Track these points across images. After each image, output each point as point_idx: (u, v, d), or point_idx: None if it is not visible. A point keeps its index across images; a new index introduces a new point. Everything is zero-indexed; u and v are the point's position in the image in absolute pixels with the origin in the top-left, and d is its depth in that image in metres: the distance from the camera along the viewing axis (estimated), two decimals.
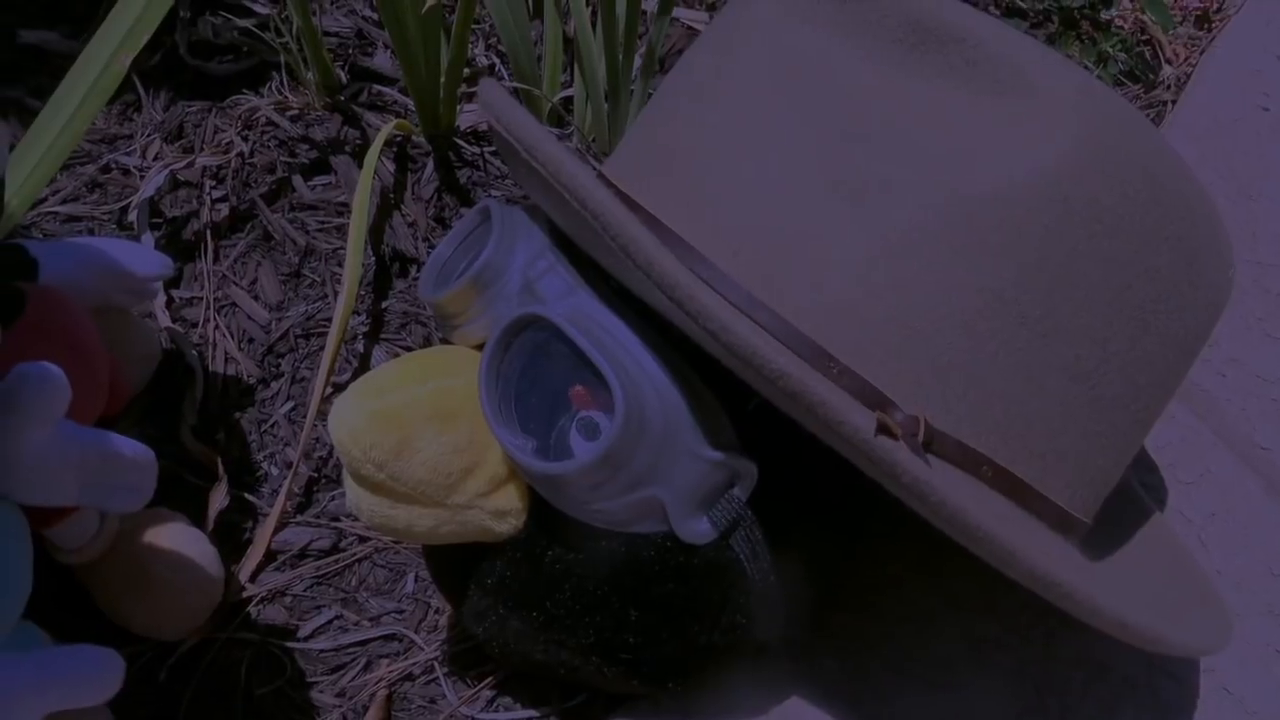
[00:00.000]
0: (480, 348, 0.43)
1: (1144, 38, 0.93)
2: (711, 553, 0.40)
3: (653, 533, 0.39)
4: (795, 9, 0.42)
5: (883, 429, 0.34)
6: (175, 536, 0.51)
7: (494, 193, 0.68)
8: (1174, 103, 0.89)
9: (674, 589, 0.40)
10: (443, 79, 0.67)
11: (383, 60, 0.76)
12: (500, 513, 0.41)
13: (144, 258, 0.54)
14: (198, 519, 0.53)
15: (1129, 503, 0.51)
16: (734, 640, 0.43)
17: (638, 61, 0.70)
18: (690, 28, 0.84)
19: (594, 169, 0.46)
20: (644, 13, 0.72)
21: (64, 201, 0.67)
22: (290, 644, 0.52)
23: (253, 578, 0.53)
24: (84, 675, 0.37)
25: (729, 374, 0.37)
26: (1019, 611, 0.51)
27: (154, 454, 0.43)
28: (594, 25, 0.70)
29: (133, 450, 0.42)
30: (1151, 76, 0.91)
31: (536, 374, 0.40)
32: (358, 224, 0.59)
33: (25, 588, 0.41)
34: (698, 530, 0.39)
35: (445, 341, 0.45)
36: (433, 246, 0.65)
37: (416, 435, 0.39)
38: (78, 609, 0.50)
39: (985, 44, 0.40)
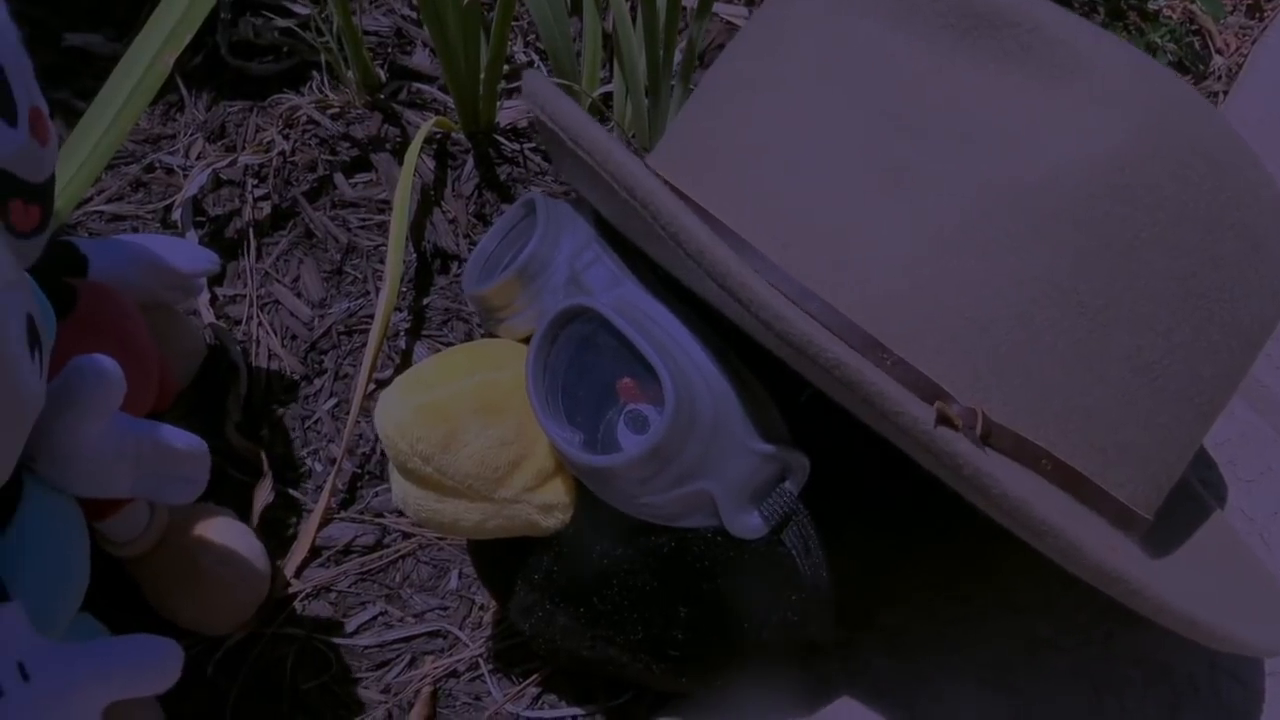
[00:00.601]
0: (526, 341, 0.42)
1: (1193, 28, 0.91)
2: (762, 548, 0.39)
3: (702, 527, 0.39)
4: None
5: (943, 420, 0.33)
6: (223, 530, 0.51)
7: (535, 188, 0.68)
8: (1225, 93, 0.87)
9: (724, 585, 0.40)
10: (482, 75, 0.67)
11: (422, 58, 0.76)
12: (547, 507, 0.40)
13: (190, 254, 0.54)
14: (243, 515, 0.53)
15: (1188, 499, 0.49)
16: (784, 638, 0.42)
17: (678, 57, 0.70)
18: (729, 22, 0.83)
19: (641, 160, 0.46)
20: (684, 8, 0.72)
21: (109, 201, 0.67)
22: (335, 639, 0.52)
23: (298, 573, 0.53)
24: (144, 664, 0.37)
25: (779, 366, 0.37)
26: (1076, 610, 0.50)
27: (206, 445, 0.43)
28: (633, 20, 0.70)
29: (186, 442, 0.42)
30: (1202, 67, 0.89)
31: (584, 366, 0.39)
32: (399, 221, 0.59)
33: (84, 579, 0.41)
34: (749, 524, 0.38)
35: (489, 335, 0.45)
36: (473, 243, 0.65)
37: (463, 428, 0.38)
38: (126, 604, 0.51)
39: (1040, 27, 0.39)
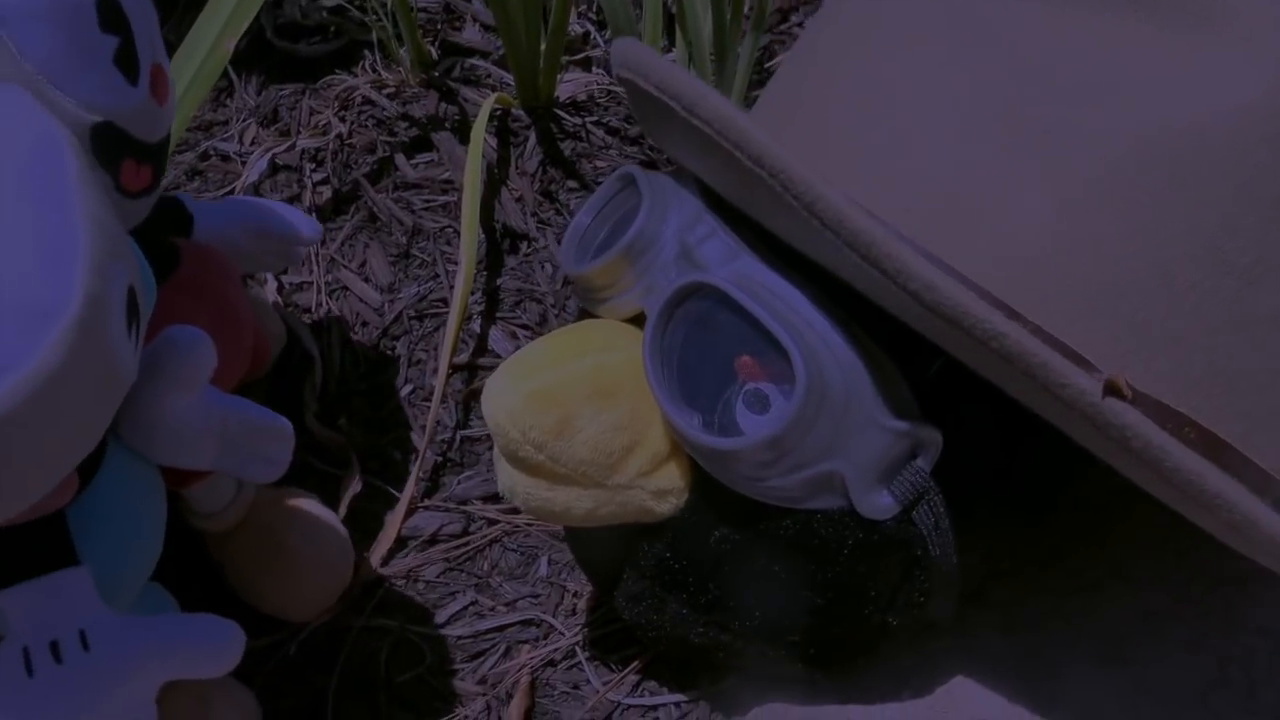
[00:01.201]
0: (631, 320, 0.41)
1: None
2: (892, 528, 0.37)
3: (829, 508, 0.37)
4: None
5: (1111, 390, 0.31)
6: (309, 513, 0.50)
7: (599, 162, 0.66)
8: None
9: (851, 567, 0.38)
10: (543, 48, 0.65)
11: (473, 34, 0.74)
12: (662, 492, 0.39)
13: (300, 221, 0.53)
14: (328, 507, 0.52)
15: None
16: (908, 620, 0.41)
17: (745, 23, 0.68)
18: None
19: None
20: None
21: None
22: (428, 630, 0.51)
23: (384, 563, 0.52)
24: (206, 645, 0.36)
25: (905, 337, 0.35)
26: (1191, 580, 0.48)
27: (291, 426, 0.42)
28: None
29: (272, 421, 0.41)
30: None
31: (700, 345, 0.38)
32: (470, 201, 0.58)
33: (156, 547, 0.40)
34: (879, 504, 0.37)
35: (585, 314, 0.43)
36: (542, 221, 0.63)
37: (577, 414, 0.37)
38: (207, 588, 0.50)
39: None
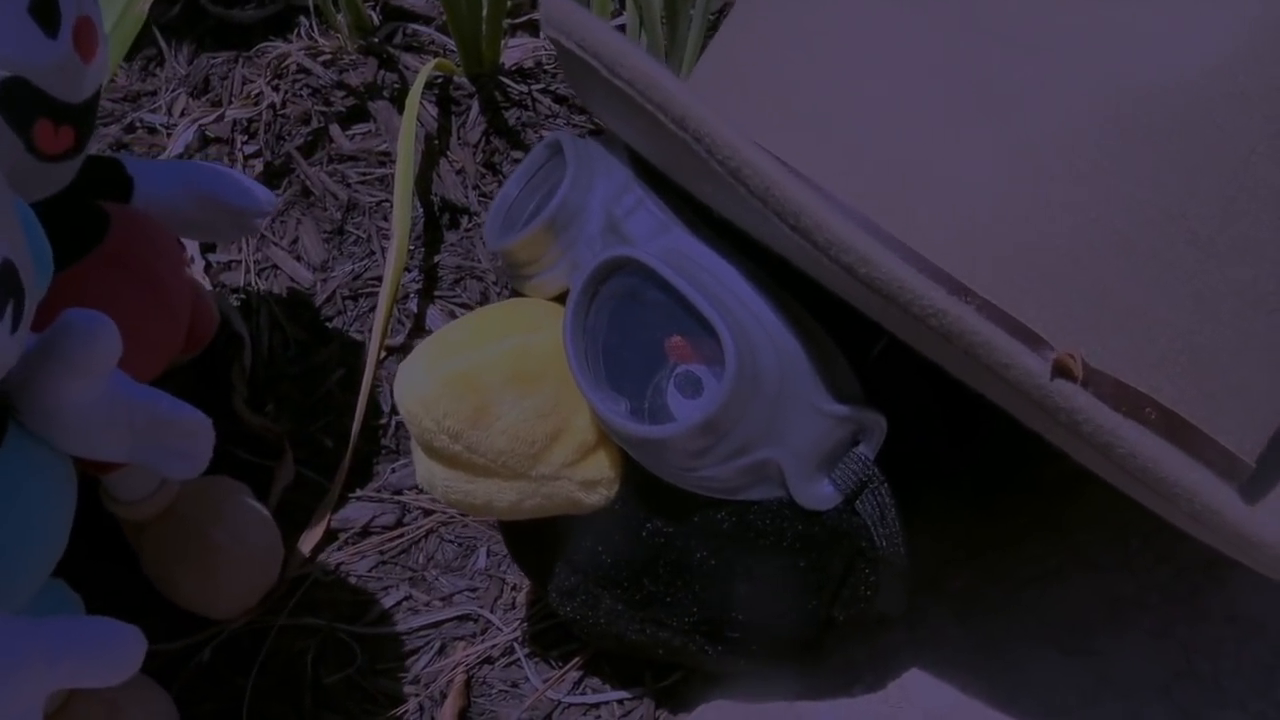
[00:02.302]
0: (558, 298, 0.38)
1: None
2: (834, 519, 0.35)
3: (767, 499, 0.35)
4: None
5: (1060, 371, 0.29)
6: (238, 506, 0.47)
7: (546, 132, 0.63)
8: None
9: (791, 561, 0.36)
10: (485, 12, 0.61)
11: None
12: (590, 483, 0.36)
13: (254, 190, 0.50)
14: (257, 496, 0.49)
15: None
16: (856, 614, 0.38)
17: None
18: None
19: None
20: None
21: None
22: (358, 629, 0.48)
23: (313, 558, 0.49)
24: (100, 651, 0.33)
25: (846, 315, 0.33)
26: (1156, 565, 0.46)
27: (210, 421, 0.39)
28: None
29: (186, 416, 0.38)
30: None
31: (627, 325, 0.35)
32: (403, 174, 0.55)
33: (59, 542, 0.37)
34: (820, 494, 0.34)
35: (516, 294, 0.40)
36: (484, 195, 0.60)
37: (495, 400, 0.34)
38: (120, 572, 0.47)
39: None
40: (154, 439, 0.38)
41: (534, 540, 0.41)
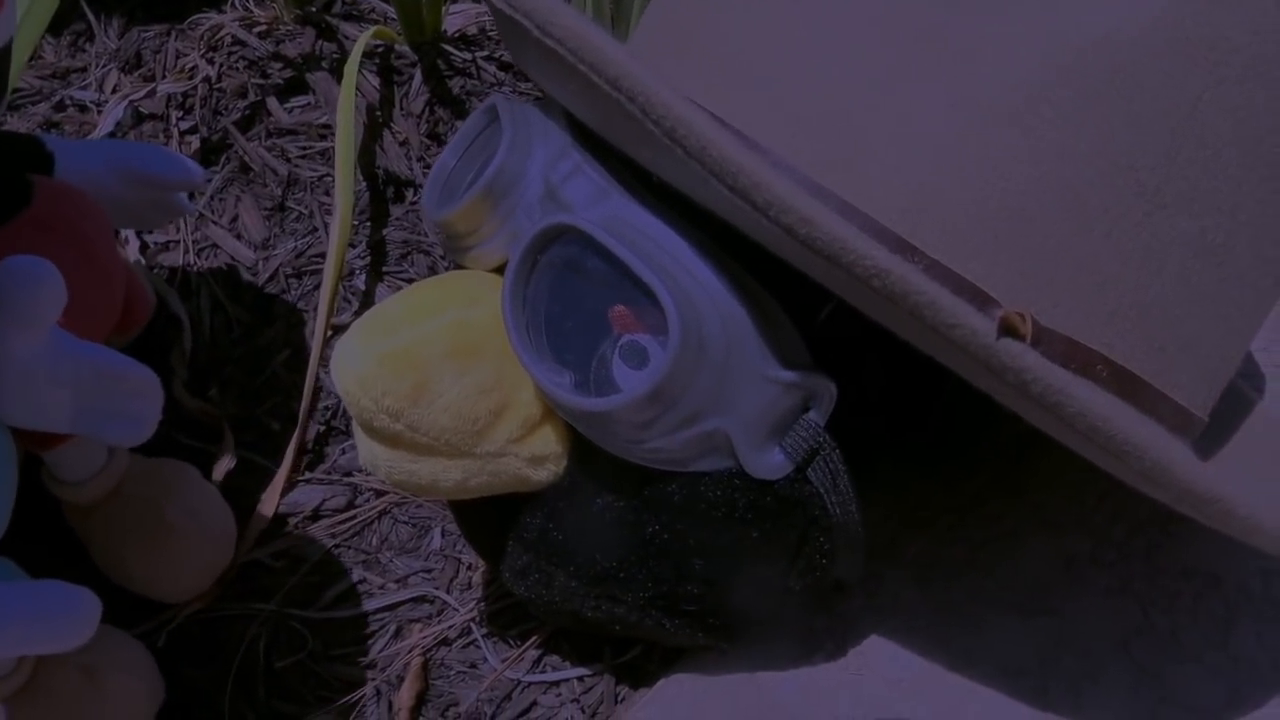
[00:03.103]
0: (500, 270, 0.37)
1: None
2: (786, 488, 0.34)
3: (717, 470, 0.34)
4: None
5: (1006, 330, 0.28)
6: (189, 483, 0.46)
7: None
8: None
9: (745, 532, 0.35)
10: None
11: None
12: (537, 458, 0.35)
13: (177, 163, 0.48)
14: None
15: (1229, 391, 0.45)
16: (811, 583, 0.38)
17: None
18: None
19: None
20: None
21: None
22: (310, 614, 0.47)
23: (261, 543, 0.48)
24: (51, 615, 0.32)
25: (793, 279, 0.32)
26: (1112, 522, 0.46)
27: (159, 379, 0.37)
28: None
29: (136, 372, 0.37)
30: None
31: (568, 295, 0.34)
32: (344, 146, 0.53)
33: (3, 523, 0.36)
34: (770, 463, 0.34)
35: (457, 267, 0.39)
36: (428, 166, 0.59)
37: (435, 377, 0.33)
38: (61, 562, 0.45)
39: None
40: (100, 399, 0.36)
41: (485, 519, 0.40)
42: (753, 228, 0.30)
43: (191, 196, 0.57)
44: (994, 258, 0.32)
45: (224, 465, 0.49)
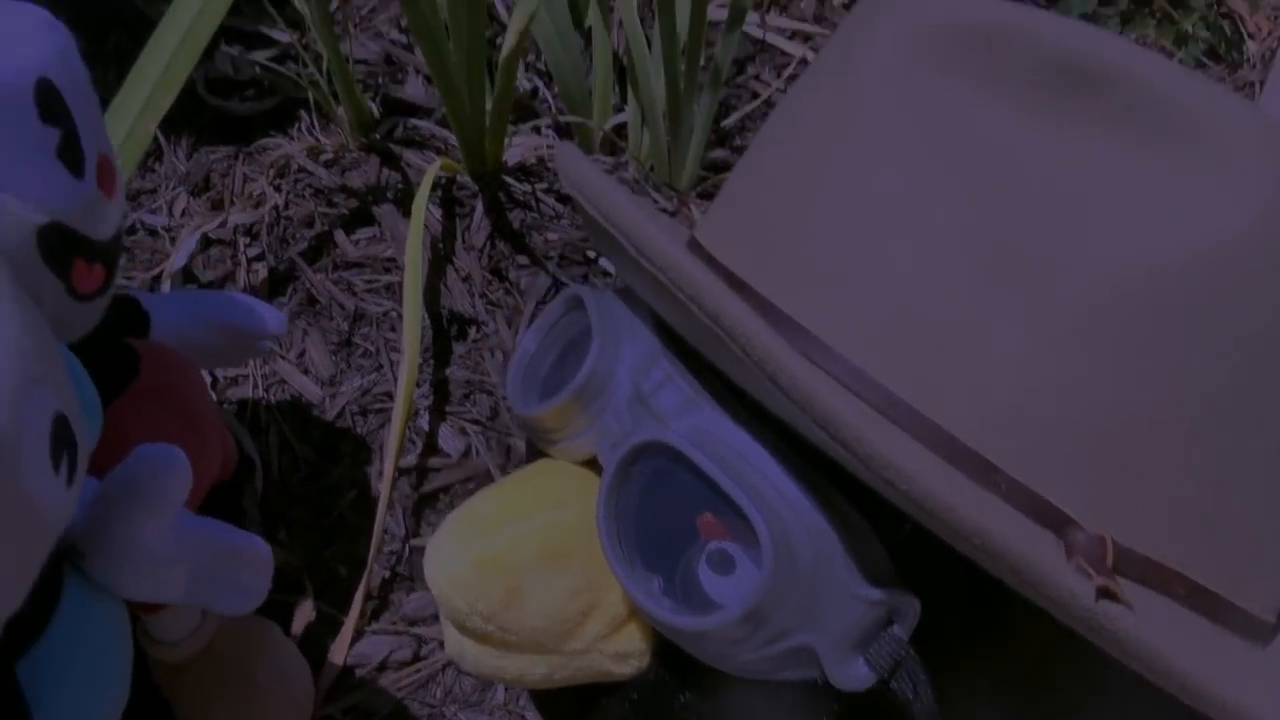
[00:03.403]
0: (587, 463, 0.38)
1: (1223, 10, 0.87)
2: (868, 699, 0.35)
3: (801, 679, 0.35)
4: (928, 52, 0.36)
5: (1105, 594, 0.29)
6: (276, 645, 0.46)
7: (550, 235, 0.63)
8: (1262, 83, 0.83)
9: None
10: (489, 109, 0.61)
11: (416, 88, 0.70)
12: (623, 655, 0.36)
13: (262, 314, 0.49)
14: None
15: None
16: None
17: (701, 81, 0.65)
18: (754, 39, 0.78)
19: (690, 237, 0.41)
20: (709, 22, 0.66)
21: None
22: None
23: (329, 697, 0.49)
24: None
25: (877, 495, 0.33)
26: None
27: (270, 550, 0.38)
28: (648, 40, 0.65)
29: (250, 545, 0.38)
30: (1235, 55, 0.84)
31: (658, 502, 0.35)
32: (413, 285, 0.54)
33: (122, 697, 0.36)
34: (855, 676, 0.34)
35: (537, 451, 0.40)
36: (491, 303, 0.60)
37: (527, 581, 0.34)
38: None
39: (1146, 85, 0.35)
40: (215, 573, 0.37)
41: (563, 701, 0.41)
42: (850, 466, 0.30)
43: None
44: (1074, 478, 0.33)
45: (304, 617, 0.50)
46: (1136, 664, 0.30)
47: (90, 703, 0.35)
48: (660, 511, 0.35)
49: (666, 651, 0.36)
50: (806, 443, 0.34)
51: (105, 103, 0.53)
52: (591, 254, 0.63)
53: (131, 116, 0.53)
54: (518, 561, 0.34)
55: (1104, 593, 0.29)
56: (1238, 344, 0.33)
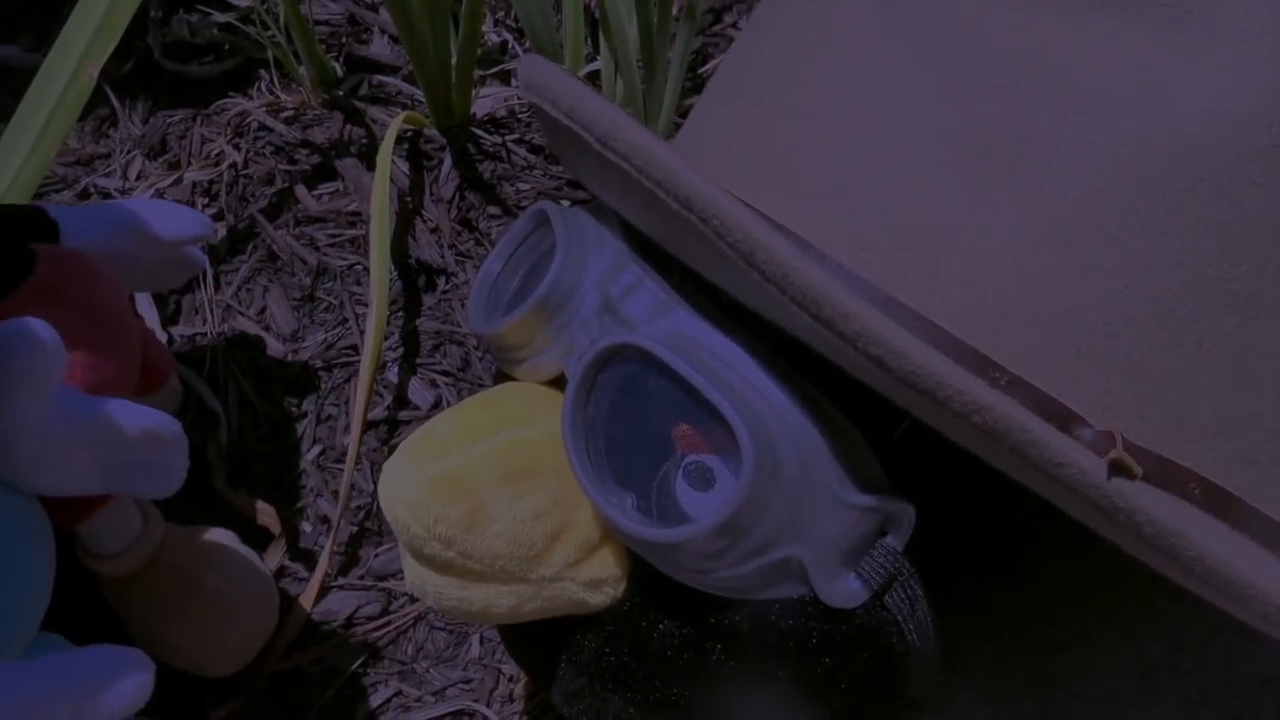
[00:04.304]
0: (552, 383, 0.35)
1: None
2: (862, 615, 0.32)
3: (788, 597, 0.32)
4: None
5: (1118, 469, 0.27)
6: (228, 551, 0.44)
7: (522, 184, 0.61)
8: None
9: (815, 660, 0.33)
10: (455, 61, 0.59)
11: (381, 47, 0.68)
12: (595, 582, 0.34)
13: (180, 217, 0.47)
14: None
15: None
16: (883, 709, 0.36)
17: (674, 25, 0.62)
18: None
19: None
20: None
21: None
22: None
23: (294, 652, 0.46)
24: (106, 683, 0.30)
25: (867, 396, 0.30)
26: (1186, 627, 0.44)
27: (179, 424, 0.36)
28: None
29: (152, 421, 0.35)
30: None
31: (629, 414, 0.32)
32: (379, 233, 0.52)
33: (40, 593, 0.34)
34: (846, 591, 0.32)
35: (504, 375, 0.37)
36: (460, 254, 0.58)
37: (490, 502, 0.31)
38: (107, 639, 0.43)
39: None
40: (123, 452, 0.35)
41: (534, 638, 0.38)
42: (835, 354, 0.28)
43: (213, 252, 0.56)
44: (1079, 373, 0.31)
45: (274, 564, 0.47)
46: (1152, 552, 0.27)
47: (3, 592, 0.33)
48: (632, 423, 0.32)
49: (643, 578, 0.34)
50: (788, 347, 0.31)
51: (49, 43, 0.51)
52: (566, 202, 0.61)
53: (75, 58, 0.50)
54: (479, 481, 0.32)
55: (1116, 467, 0.26)
56: (1252, 225, 0.31)
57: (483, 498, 0.31)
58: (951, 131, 0.32)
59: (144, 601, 0.43)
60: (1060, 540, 0.47)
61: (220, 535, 0.45)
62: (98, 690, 0.29)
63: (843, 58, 0.34)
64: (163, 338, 0.55)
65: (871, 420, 0.32)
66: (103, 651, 0.30)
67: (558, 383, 0.35)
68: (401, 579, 0.48)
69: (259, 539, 0.48)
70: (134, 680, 0.30)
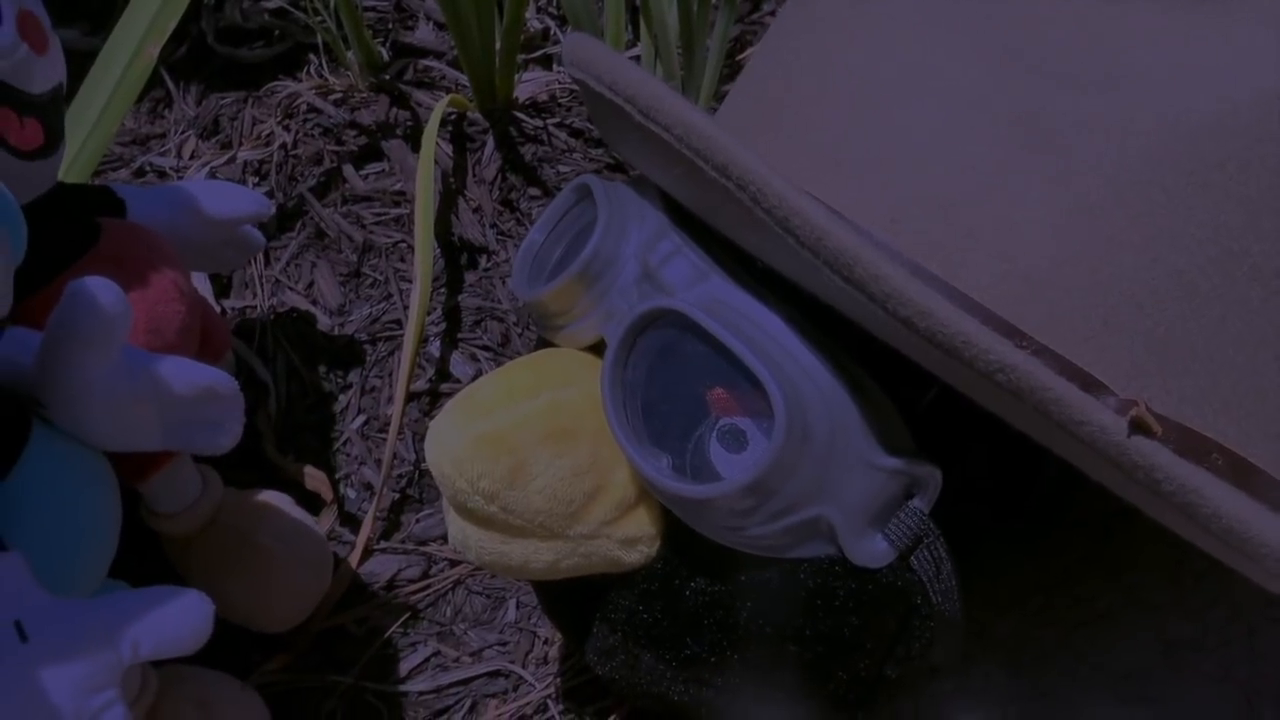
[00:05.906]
0: (592, 349, 0.37)
1: None
2: (888, 576, 0.33)
3: (817, 556, 0.33)
4: None
5: (1138, 427, 0.28)
6: (281, 512, 0.46)
7: (563, 166, 0.62)
8: None
9: (842, 620, 0.34)
10: (498, 46, 0.60)
11: (426, 33, 0.70)
12: (630, 540, 0.35)
13: (238, 196, 0.49)
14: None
15: None
16: (909, 671, 0.37)
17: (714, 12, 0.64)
18: None
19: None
20: None
21: None
22: (385, 687, 0.47)
23: (338, 612, 0.48)
24: (167, 619, 0.31)
25: (896, 362, 0.31)
26: (1210, 605, 0.45)
27: (236, 382, 0.38)
28: None
29: (211, 377, 0.37)
30: None
31: (666, 377, 0.33)
32: (423, 213, 0.53)
33: (106, 537, 0.37)
34: (873, 551, 0.33)
35: (545, 343, 0.39)
36: (501, 233, 0.59)
37: (531, 459, 0.33)
38: None
39: None
40: (183, 409, 0.37)
41: (569, 597, 0.39)
42: (866, 317, 0.29)
43: (263, 229, 0.58)
44: (1104, 342, 0.32)
45: (325, 528, 0.49)
46: (1169, 510, 0.28)
47: (65, 537, 0.35)
48: (669, 386, 0.33)
49: (677, 538, 0.35)
50: (821, 314, 0.33)
51: (107, 28, 0.53)
52: None
53: (136, 39, 0.52)
54: (521, 439, 0.33)
55: (1136, 424, 0.27)
56: (1278, 201, 0.32)
57: (524, 455, 0.33)
58: (985, 106, 0.33)
59: (203, 559, 0.45)
60: (1088, 517, 0.48)
61: (275, 498, 0.46)
62: (157, 625, 0.31)
63: (878, 33, 0.35)
64: (216, 309, 0.57)
65: (901, 385, 0.33)
66: (164, 590, 0.32)
67: (596, 349, 0.36)
68: (442, 544, 0.50)
69: (310, 503, 0.50)
70: (193, 617, 0.31)
